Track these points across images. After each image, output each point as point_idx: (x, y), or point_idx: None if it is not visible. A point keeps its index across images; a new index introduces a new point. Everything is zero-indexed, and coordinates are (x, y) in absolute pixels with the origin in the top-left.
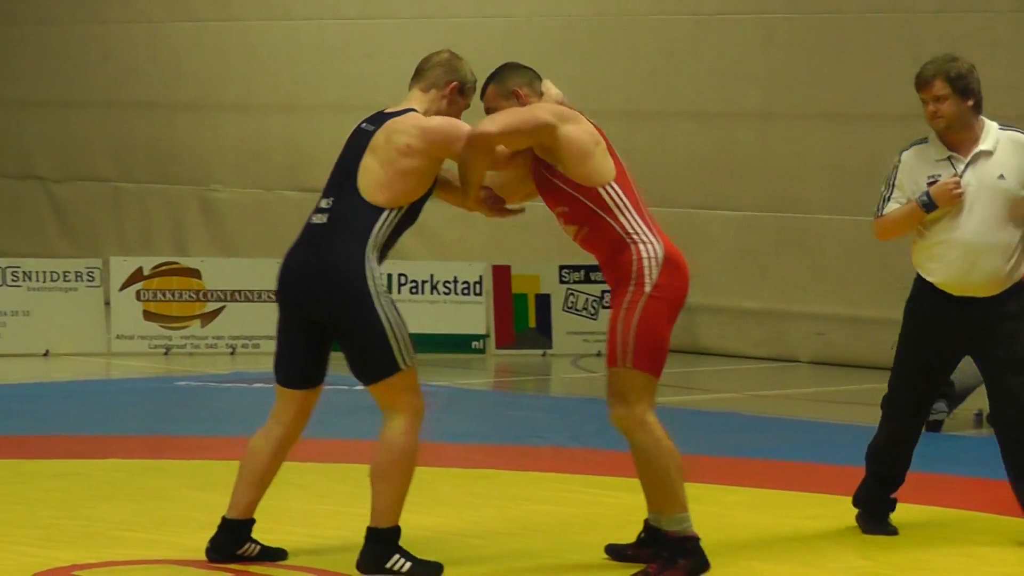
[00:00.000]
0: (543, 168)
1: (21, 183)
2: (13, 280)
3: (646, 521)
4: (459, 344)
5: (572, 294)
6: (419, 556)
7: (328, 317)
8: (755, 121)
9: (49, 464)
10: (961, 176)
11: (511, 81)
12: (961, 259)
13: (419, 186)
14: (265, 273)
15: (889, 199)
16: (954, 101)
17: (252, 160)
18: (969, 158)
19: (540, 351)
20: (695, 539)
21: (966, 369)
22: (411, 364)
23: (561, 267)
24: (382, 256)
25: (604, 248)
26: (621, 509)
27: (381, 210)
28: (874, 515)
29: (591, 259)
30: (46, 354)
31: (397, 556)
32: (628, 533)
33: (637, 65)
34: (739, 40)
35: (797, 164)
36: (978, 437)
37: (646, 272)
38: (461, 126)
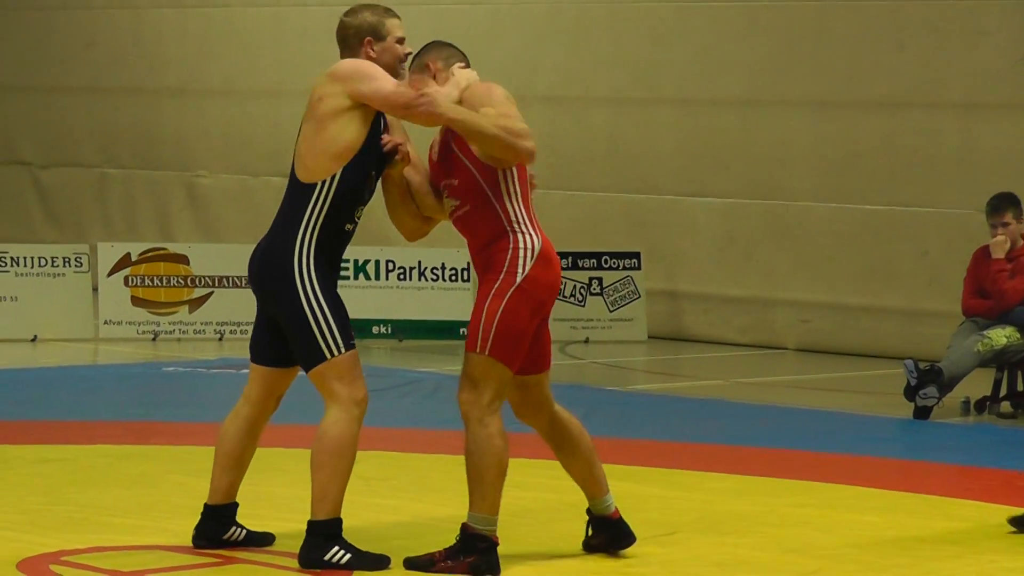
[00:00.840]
0: (452, 138)
1: (6, 169)
2: (1, 266)
3: (588, 510)
4: (446, 331)
5: None
6: (409, 543)
7: (264, 304)
8: (739, 108)
9: (36, 449)
10: None
11: (428, 56)
12: None
13: (339, 146)
14: None
15: None
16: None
17: (237, 146)
18: None
19: None
20: (492, 542)
21: (953, 357)
22: (339, 353)
23: None
24: (336, 240)
25: (482, 232)
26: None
27: (311, 188)
28: None
29: (578, 246)
30: (34, 340)
31: (336, 548)
32: None
33: (621, 52)
34: (724, 27)
35: (782, 151)
36: (965, 425)
37: (520, 262)
38: (371, 66)
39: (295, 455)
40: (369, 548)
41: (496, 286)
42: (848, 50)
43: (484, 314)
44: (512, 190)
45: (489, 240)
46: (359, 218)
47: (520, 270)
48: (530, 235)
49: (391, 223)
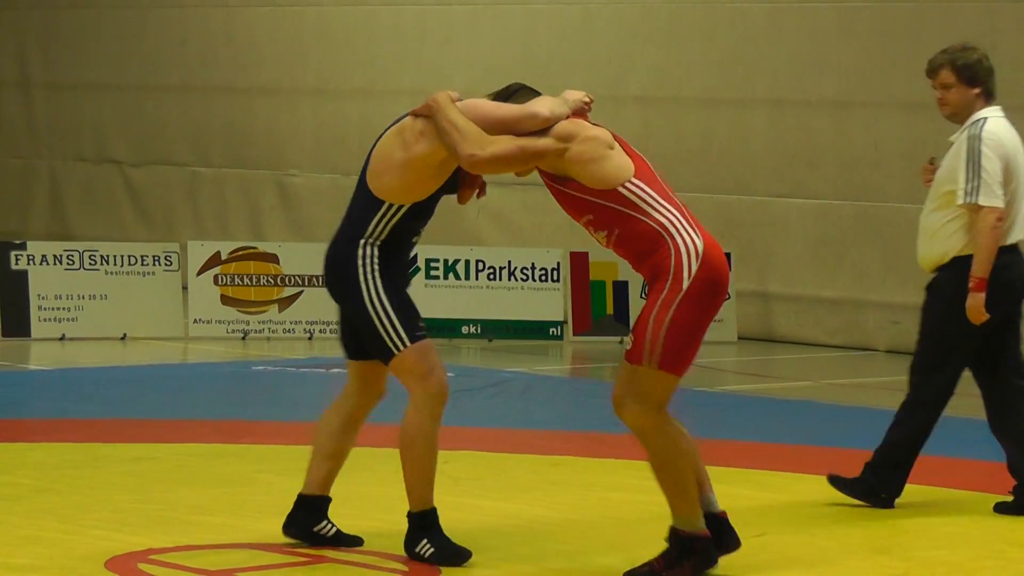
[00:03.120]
0: (555, 182)
1: (97, 167)
2: (91, 264)
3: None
4: (536, 331)
5: None
6: (498, 542)
7: (336, 302)
8: (832, 109)
9: (125, 448)
10: (937, 161)
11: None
12: (918, 239)
13: (418, 191)
14: None
15: None
16: (959, 90)
17: (329, 145)
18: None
19: (617, 338)
20: (704, 538)
21: None
22: (404, 347)
23: None
24: (400, 246)
25: (640, 244)
26: None
27: (380, 203)
28: None
29: None
30: (123, 338)
31: (424, 540)
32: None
33: (714, 52)
34: (816, 28)
35: (874, 152)
36: None
37: (684, 267)
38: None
39: (380, 455)
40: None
41: (663, 296)
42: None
43: (651, 327)
44: (646, 197)
45: (648, 250)
46: (424, 229)
47: (686, 276)
48: (688, 236)
49: (479, 224)
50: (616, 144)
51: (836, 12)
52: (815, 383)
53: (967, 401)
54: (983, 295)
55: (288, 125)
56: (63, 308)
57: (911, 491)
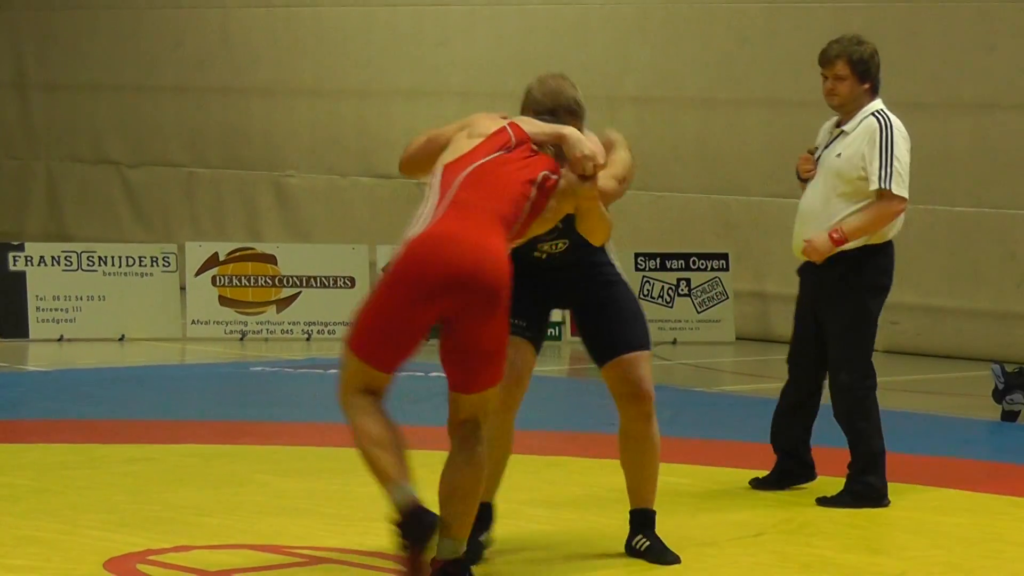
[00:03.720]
0: None
1: (94, 168)
2: (89, 265)
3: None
4: None
5: (647, 281)
6: (499, 545)
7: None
8: (829, 109)
9: (123, 449)
10: (822, 151)
11: None
12: (798, 226)
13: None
14: (340, 259)
15: None
16: (852, 83)
17: (325, 145)
18: (835, 135)
19: None
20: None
21: None
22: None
23: (636, 255)
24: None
25: None
26: (694, 496)
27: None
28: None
29: (666, 247)
30: (121, 339)
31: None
32: (703, 520)
33: (711, 53)
34: (812, 28)
35: None
36: None
37: (394, 254)
38: None
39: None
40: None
41: None
42: (937, 51)
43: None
44: (432, 189)
45: None
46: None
47: (392, 262)
48: (417, 225)
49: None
50: (479, 132)
51: (832, 12)
52: None
53: (966, 401)
54: (833, 247)
55: (285, 126)
56: (61, 309)
57: (908, 491)
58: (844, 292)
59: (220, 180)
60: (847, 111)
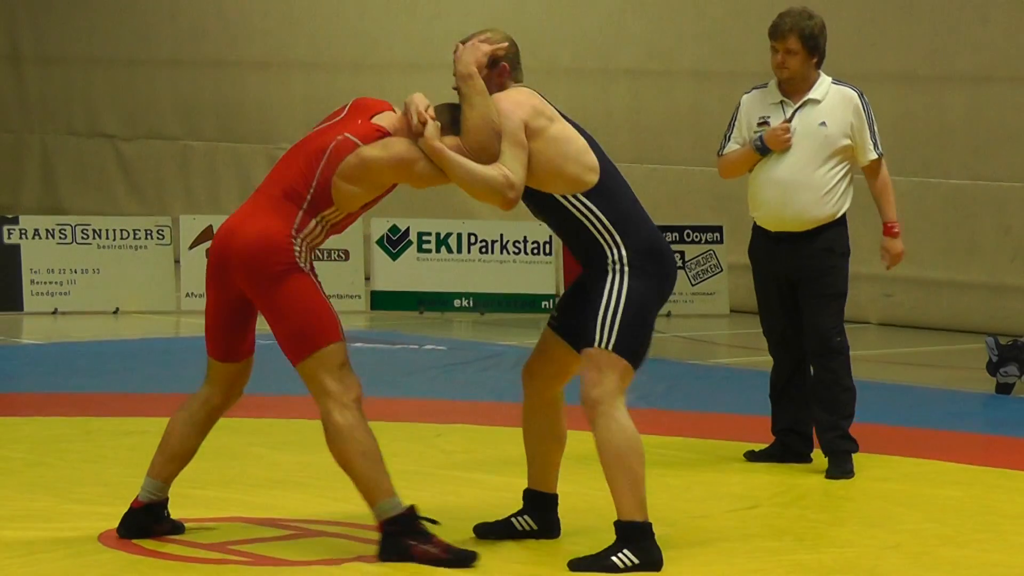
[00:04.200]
0: None
1: (89, 141)
2: (83, 238)
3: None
4: (528, 304)
5: None
6: (487, 516)
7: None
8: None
9: (118, 422)
10: (789, 121)
11: None
12: (777, 197)
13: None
14: None
15: (729, 139)
16: (803, 56)
17: (319, 118)
18: (798, 105)
19: None
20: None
21: None
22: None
23: None
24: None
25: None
26: (688, 468)
27: None
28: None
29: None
30: (116, 312)
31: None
32: (697, 492)
33: (705, 25)
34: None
35: None
36: None
37: None
38: None
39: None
40: (450, 521)
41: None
42: (932, 24)
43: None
44: None
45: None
46: None
47: None
48: None
49: (474, 198)
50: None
51: None
52: None
53: (960, 373)
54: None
55: (279, 98)
56: (55, 282)
57: (903, 463)
58: (831, 260)
59: (214, 153)
60: (795, 84)
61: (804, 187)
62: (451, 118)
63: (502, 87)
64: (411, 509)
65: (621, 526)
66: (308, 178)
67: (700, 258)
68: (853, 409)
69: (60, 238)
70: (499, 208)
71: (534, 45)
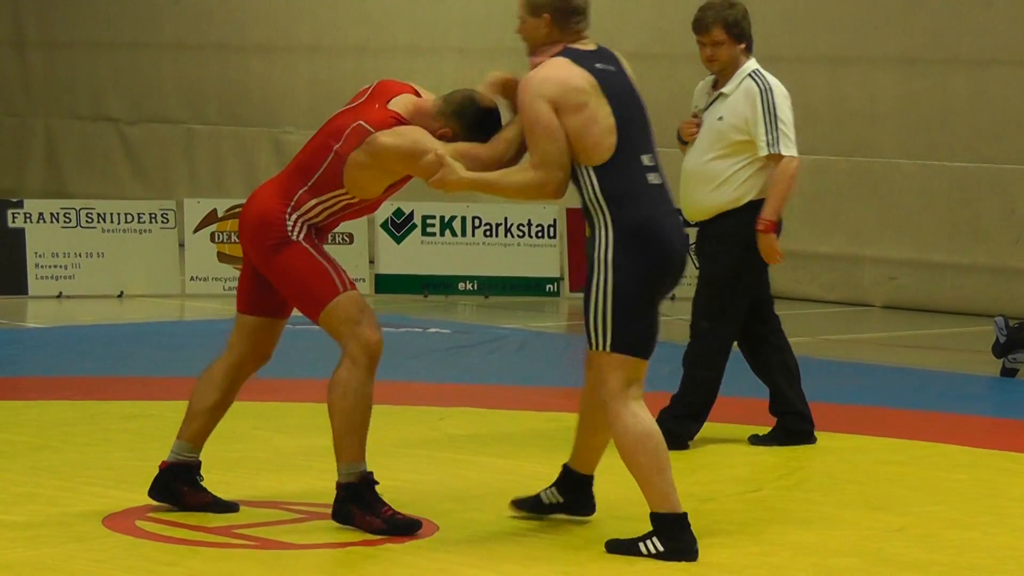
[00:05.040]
0: None
1: (93, 125)
2: (88, 222)
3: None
4: (533, 287)
5: None
6: (495, 500)
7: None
8: (827, 64)
9: (122, 405)
10: (704, 112)
11: None
12: (683, 186)
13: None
14: None
15: None
16: (729, 46)
17: (323, 102)
18: (713, 98)
19: None
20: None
21: None
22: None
23: None
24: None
25: None
26: (692, 451)
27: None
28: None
29: None
30: (120, 295)
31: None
32: (702, 475)
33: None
34: None
35: (869, 108)
36: None
37: None
38: None
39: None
40: (454, 505)
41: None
42: (936, 7)
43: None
44: None
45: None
46: None
47: None
48: None
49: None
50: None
51: None
52: (812, 339)
53: (965, 356)
54: (775, 236)
55: (283, 82)
56: (60, 266)
57: (908, 446)
58: (718, 247)
59: (219, 137)
60: (726, 74)
61: (699, 177)
62: (465, 124)
63: (549, 39)
64: (363, 477)
65: (652, 517)
66: (321, 157)
67: None
68: (695, 399)
69: (64, 222)
70: (554, 197)
71: None
